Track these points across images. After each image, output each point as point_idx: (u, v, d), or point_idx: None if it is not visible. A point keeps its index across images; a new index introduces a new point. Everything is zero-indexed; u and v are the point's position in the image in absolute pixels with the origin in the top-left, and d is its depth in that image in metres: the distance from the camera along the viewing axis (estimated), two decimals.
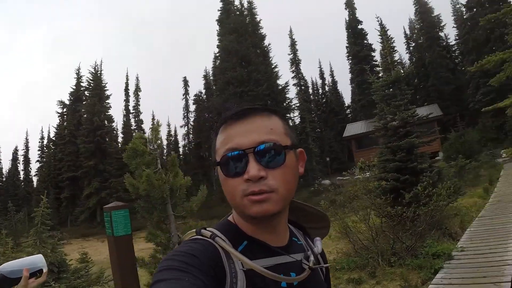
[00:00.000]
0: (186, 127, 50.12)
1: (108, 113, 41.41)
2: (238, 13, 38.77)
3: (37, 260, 1.58)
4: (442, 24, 44.68)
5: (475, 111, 34.38)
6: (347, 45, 45.75)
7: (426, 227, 8.01)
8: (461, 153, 20.37)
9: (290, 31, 45.04)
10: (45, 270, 1.58)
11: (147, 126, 48.48)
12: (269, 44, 38.92)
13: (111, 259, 5.50)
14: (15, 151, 54.56)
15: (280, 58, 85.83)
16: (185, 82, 51.56)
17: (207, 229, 0.92)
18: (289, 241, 0.98)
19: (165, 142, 49.72)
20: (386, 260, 7.53)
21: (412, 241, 7.72)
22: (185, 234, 0.95)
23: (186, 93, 51.23)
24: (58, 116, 45.76)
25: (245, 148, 0.84)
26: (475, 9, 37.50)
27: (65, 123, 44.57)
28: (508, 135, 29.10)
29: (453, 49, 44.49)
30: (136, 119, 46.85)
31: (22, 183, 52.84)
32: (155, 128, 7.56)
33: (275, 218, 0.90)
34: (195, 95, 49.02)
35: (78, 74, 43.60)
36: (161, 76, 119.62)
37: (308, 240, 1.07)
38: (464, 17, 40.80)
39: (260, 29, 39.05)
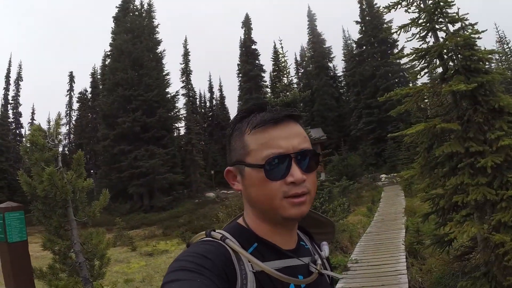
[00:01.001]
0: (67, 125, 45.39)
1: None
2: (136, 13, 37.36)
3: None
4: (332, 56, 49.21)
5: (356, 138, 38.66)
6: (238, 62, 47.11)
7: None
8: (344, 175, 22.33)
9: (185, 40, 44.76)
10: None
11: (25, 120, 42.99)
12: (163, 50, 38.15)
13: (3, 269, 4.71)
14: None
15: (171, 65, 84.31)
16: (71, 78, 47.00)
17: (217, 231, 0.93)
18: (297, 245, 1.00)
19: None
20: None
21: None
22: (194, 236, 0.95)
23: (71, 89, 46.65)
24: None
25: (289, 152, 0.87)
26: (364, 47, 41.74)
27: None
28: (387, 161, 32.55)
29: (340, 79, 49.13)
30: (15, 110, 41.38)
31: None
32: (57, 121, 6.80)
33: (298, 221, 0.95)
34: (80, 93, 45.24)
35: None
36: (46, 68, 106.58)
37: (314, 245, 1.10)
38: (354, 52, 45.08)
39: (157, 34, 38.11)
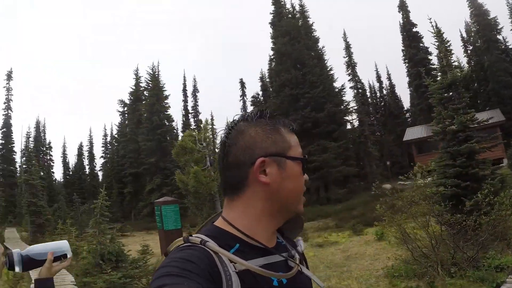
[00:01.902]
0: None
1: (167, 113, 43.00)
2: (290, 16, 38.52)
3: (63, 245, 1.64)
4: (499, 27, 41.45)
5: None
6: (402, 48, 43.89)
7: (488, 237, 7.41)
8: None
9: (344, 34, 44.01)
10: (69, 255, 1.63)
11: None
12: (323, 47, 38.17)
13: (162, 252, 5.64)
14: (80, 147, 58.55)
15: (335, 61, 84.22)
16: (242, 84, 52.10)
17: (194, 235, 0.93)
18: (275, 241, 1.03)
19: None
20: (446, 270, 7.14)
21: (473, 251, 7.20)
22: (171, 244, 0.94)
23: (243, 94, 51.74)
24: (120, 115, 48.45)
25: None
26: None
27: (126, 122, 47.00)
28: None
29: None
30: (196, 119, 48.12)
31: (88, 177, 56.48)
32: (205, 126, 7.66)
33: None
34: (253, 97, 49.21)
35: (136, 74, 45.88)
36: (218, 77, 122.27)
37: (287, 241, 1.12)
38: None
39: (313, 32, 38.50)
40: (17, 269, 1.48)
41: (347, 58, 43.64)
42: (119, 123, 48.84)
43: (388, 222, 8.70)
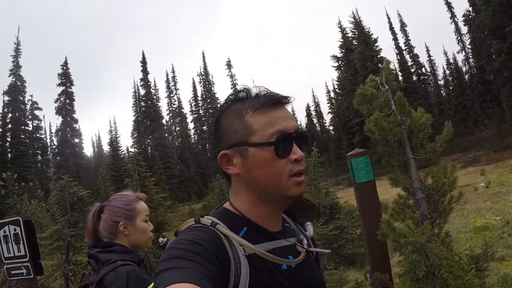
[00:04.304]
0: (463, 52, 44.23)
1: (380, 56, 41.41)
2: None
3: None
4: None
5: None
6: None
7: None
8: None
9: None
10: None
11: (423, 59, 45.66)
12: None
13: (357, 205, 5.71)
14: (308, 108, 62.62)
15: None
16: (448, 5, 45.02)
17: (206, 217, 0.94)
18: (283, 226, 1.02)
19: (441, 72, 46.67)
20: None
21: None
22: (182, 224, 0.96)
23: (453, 15, 44.78)
24: (336, 69, 49.17)
25: (291, 132, 0.92)
26: None
27: (343, 74, 47.69)
28: None
29: None
30: (411, 54, 45.02)
31: (319, 133, 60.47)
32: (386, 67, 7.00)
33: (294, 200, 0.98)
34: (463, 15, 42.07)
35: (340, 27, 45.31)
36: (420, 5, 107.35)
37: (298, 226, 1.11)
38: None
39: None
40: None
41: None
42: (337, 77, 49.91)
43: None
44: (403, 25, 45.89)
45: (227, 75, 59.72)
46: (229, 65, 59.99)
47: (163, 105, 63.59)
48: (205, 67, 62.27)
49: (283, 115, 0.93)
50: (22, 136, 46.37)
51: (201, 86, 62.11)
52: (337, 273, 6.21)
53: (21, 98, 48.65)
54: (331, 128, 55.99)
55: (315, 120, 62.43)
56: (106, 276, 1.60)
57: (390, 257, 5.64)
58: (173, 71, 64.97)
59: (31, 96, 51.48)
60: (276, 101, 0.93)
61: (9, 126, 45.59)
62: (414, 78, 44.06)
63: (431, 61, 47.96)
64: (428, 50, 47.78)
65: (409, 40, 45.38)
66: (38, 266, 3.64)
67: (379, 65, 40.72)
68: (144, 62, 56.27)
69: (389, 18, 45.78)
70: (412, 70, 44.53)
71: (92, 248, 1.77)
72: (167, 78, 60.97)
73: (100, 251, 1.74)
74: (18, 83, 48.48)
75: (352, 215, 9.56)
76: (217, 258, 0.81)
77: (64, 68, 53.33)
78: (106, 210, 1.83)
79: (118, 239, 1.79)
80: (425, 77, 47.04)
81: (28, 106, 50.16)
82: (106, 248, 1.75)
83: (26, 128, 48.98)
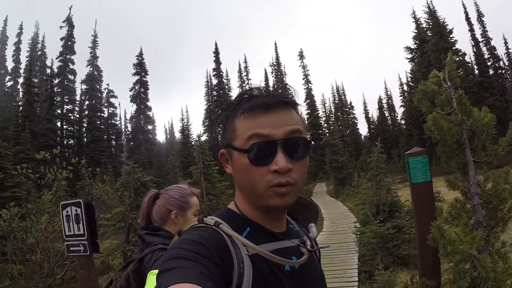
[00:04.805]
0: None
1: (455, 48, 38.74)
2: None
3: None
4: None
5: None
6: None
7: None
8: None
9: None
10: None
11: (501, 51, 42.07)
12: None
13: (412, 205, 5.56)
14: (380, 100, 60.45)
15: None
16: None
17: (209, 217, 0.95)
18: (287, 227, 1.02)
19: None
20: None
21: None
22: (185, 224, 0.96)
23: None
24: (409, 61, 46.84)
25: (276, 138, 0.86)
26: None
27: (417, 67, 45.33)
28: None
29: None
30: (488, 46, 41.73)
31: (391, 127, 58.26)
32: (449, 62, 6.62)
33: (286, 209, 0.97)
34: None
35: (415, 17, 43.16)
36: None
37: (301, 227, 1.11)
38: None
39: None
40: None
41: None
42: (410, 69, 47.65)
43: None
44: (480, 15, 42.61)
45: (299, 65, 60.01)
46: (301, 56, 59.93)
47: (235, 94, 65.19)
48: (277, 58, 62.79)
49: (272, 120, 0.88)
50: (98, 122, 50.42)
51: (273, 77, 62.70)
52: (387, 273, 6.08)
53: (97, 86, 52.96)
54: (402, 122, 53.53)
55: (386, 114, 60.15)
56: (147, 256, 1.77)
57: (442, 263, 5.41)
58: (245, 61, 66.53)
59: (107, 85, 55.76)
60: (264, 106, 0.88)
61: (86, 112, 49.87)
62: (491, 72, 40.89)
63: (509, 54, 43.72)
64: (506, 42, 43.51)
65: (486, 31, 42.08)
66: (95, 244, 3.99)
67: (454, 57, 38.24)
68: (216, 53, 58.41)
69: (465, 8, 42.76)
70: (489, 63, 41.37)
71: (142, 230, 1.95)
72: (239, 68, 62.00)
73: (148, 233, 1.91)
74: (95, 73, 52.66)
75: (411, 214, 9.24)
76: (220, 258, 0.81)
77: (139, 58, 56.78)
78: (162, 197, 1.99)
79: (167, 225, 1.95)
80: (503, 71, 43.17)
81: (104, 94, 54.50)
82: (153, 231, 1.92)
83: (102, 114, 53.27)
